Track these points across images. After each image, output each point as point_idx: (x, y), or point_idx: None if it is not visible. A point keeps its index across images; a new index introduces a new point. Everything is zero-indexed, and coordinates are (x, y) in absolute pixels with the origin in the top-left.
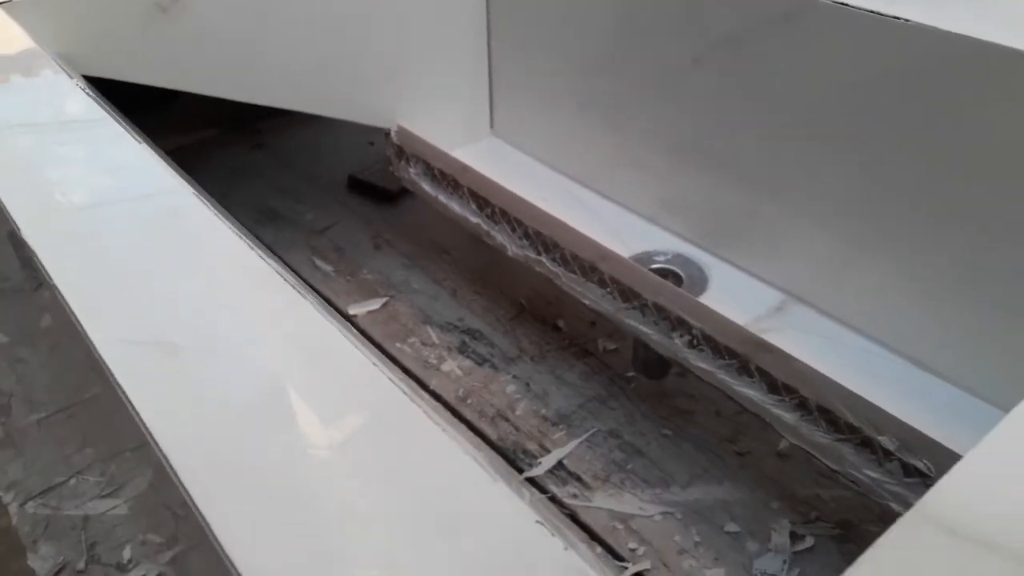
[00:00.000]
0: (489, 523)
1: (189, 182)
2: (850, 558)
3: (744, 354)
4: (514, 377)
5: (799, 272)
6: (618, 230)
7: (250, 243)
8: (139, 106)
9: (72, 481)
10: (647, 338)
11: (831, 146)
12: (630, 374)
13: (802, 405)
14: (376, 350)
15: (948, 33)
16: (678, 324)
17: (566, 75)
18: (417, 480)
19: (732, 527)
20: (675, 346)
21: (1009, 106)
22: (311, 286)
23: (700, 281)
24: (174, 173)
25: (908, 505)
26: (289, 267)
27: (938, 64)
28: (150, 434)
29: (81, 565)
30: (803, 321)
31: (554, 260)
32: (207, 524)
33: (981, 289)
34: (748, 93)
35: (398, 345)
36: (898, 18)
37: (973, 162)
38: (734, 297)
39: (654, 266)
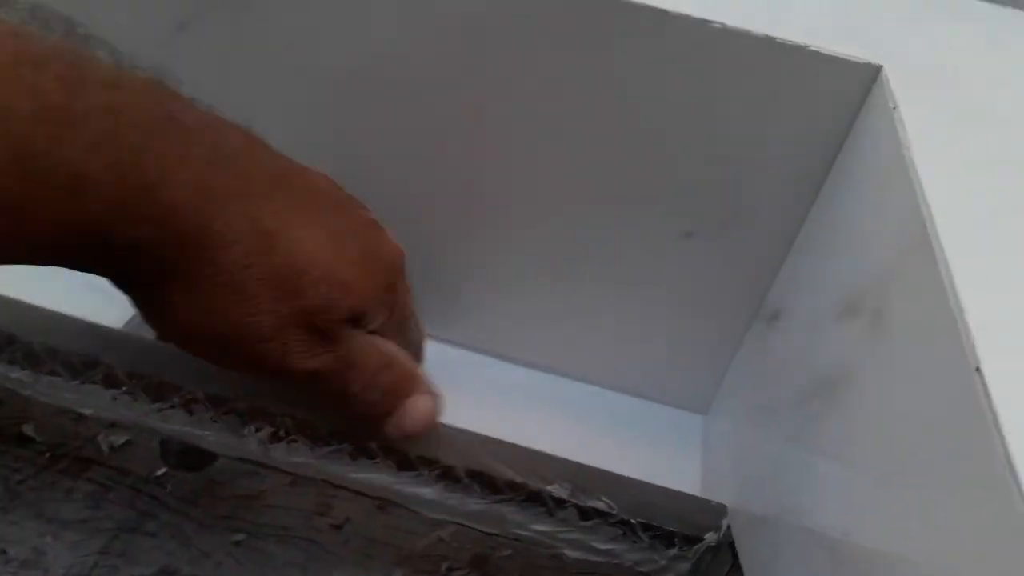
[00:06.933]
0: None
1: None
2: None
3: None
4: None
5: None
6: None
7: None
8: None
9: None
10: (203, 442)
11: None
12: (161, 472)
13: (446, 475)
14: None
15: None
16: (253, 416)
17: None
18: None
19: None
20: (248, 445)
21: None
22: None
23: None
24: None
25: (588, 549)
26: None
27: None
28: None
29: None
30: None
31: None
32: None
33: (557, 268)
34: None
35: None
36: None
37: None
38: None
39: None
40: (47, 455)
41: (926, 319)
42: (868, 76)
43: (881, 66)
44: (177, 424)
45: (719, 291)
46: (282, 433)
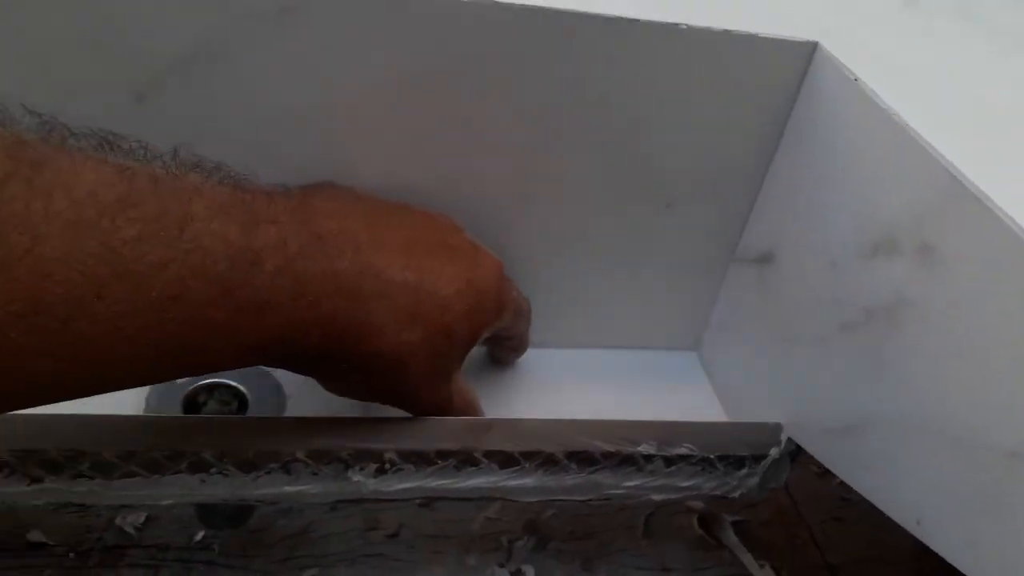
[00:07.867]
0: None
1: None
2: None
3: (463, 448)
4: None
5: None
6: None
7: None
8: None
9: None
10: (279, 499)
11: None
12: (200, 537)
13: (548, 460)
14: None
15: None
16: (356, 458)
17: None
18: None
19: None
20: (354, 485)
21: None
22: None
23: (268, 385)
24: None
25: (672, 489)
26: None
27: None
28: None
29: None
30: None
31: None
32: None
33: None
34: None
35: None
36: None
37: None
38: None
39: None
40: (70, 555)
41: (983, 247)
42: (807, 52)
43: (817, 42)
44: (265, 488)
45: (698, 245)
46: (387, 466)
